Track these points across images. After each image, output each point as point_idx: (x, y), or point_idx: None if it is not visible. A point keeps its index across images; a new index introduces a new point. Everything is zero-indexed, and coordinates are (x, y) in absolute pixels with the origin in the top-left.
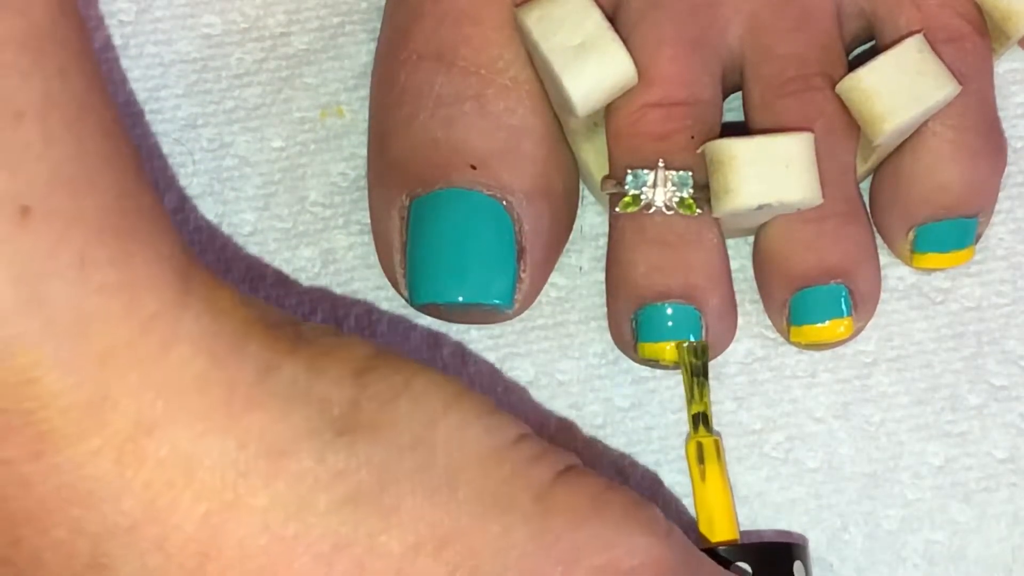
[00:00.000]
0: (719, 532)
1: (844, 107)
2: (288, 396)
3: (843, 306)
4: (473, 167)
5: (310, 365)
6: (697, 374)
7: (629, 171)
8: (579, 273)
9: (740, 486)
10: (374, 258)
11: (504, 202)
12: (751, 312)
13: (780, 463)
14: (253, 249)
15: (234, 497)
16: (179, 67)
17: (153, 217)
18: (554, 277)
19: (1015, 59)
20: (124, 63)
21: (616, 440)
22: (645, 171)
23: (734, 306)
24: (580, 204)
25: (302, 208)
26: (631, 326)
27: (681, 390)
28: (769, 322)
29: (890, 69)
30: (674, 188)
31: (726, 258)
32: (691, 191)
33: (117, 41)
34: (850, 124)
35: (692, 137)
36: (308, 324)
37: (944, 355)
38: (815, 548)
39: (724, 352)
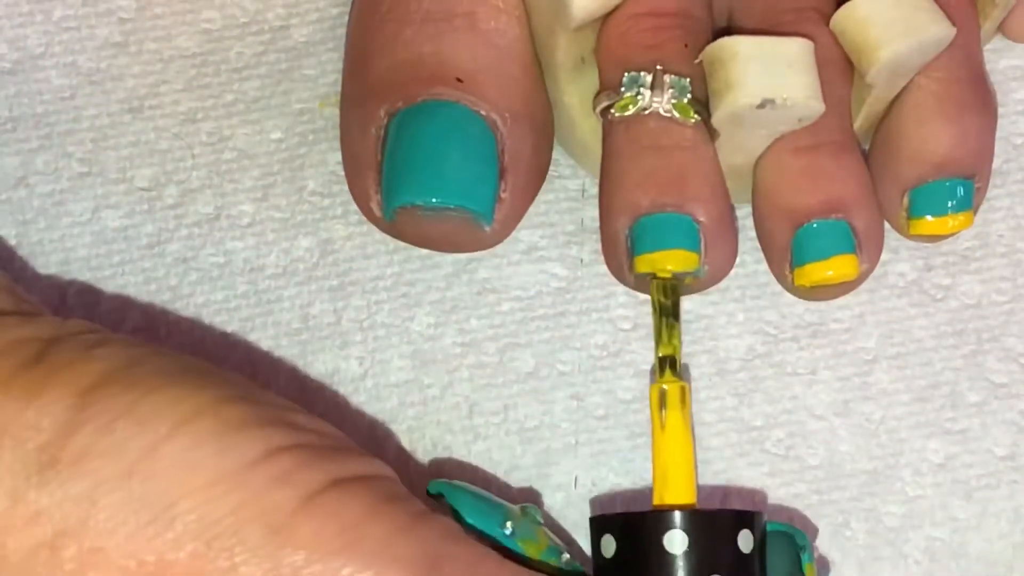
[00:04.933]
0: (672, 493)
1: (838, 45)
2: None
3: (847, 241)
4: (459, 80)
5: (25, 391)
6: (667, 314)
7: (626, 73)
8: (580, 264)
9: (741, 482)
10: (373, 248)
11: (489, 119)
12: (751, 308)
13: (781, 460)
14: (251, 240)
15: None
16: (179, 62)
17: None
18: (555, 268)
19: (1015, 56)
20: (124, 59)
21: (618, 432)
22: (644, 73)
23: (733, 228)
24: (581, 197)
25: (300, 198)
26: (626, 244)
27: None
28: (770, 318)
29: (886, 1)
30: (672, 91)
31: (722, 175)
32: (690, 96)
33: (117, 38)
34: (844, 60)
35: (686, 46)
36: (73, 323)
37: (944, 352)
38: (817, 545)
39: (725, 349)
